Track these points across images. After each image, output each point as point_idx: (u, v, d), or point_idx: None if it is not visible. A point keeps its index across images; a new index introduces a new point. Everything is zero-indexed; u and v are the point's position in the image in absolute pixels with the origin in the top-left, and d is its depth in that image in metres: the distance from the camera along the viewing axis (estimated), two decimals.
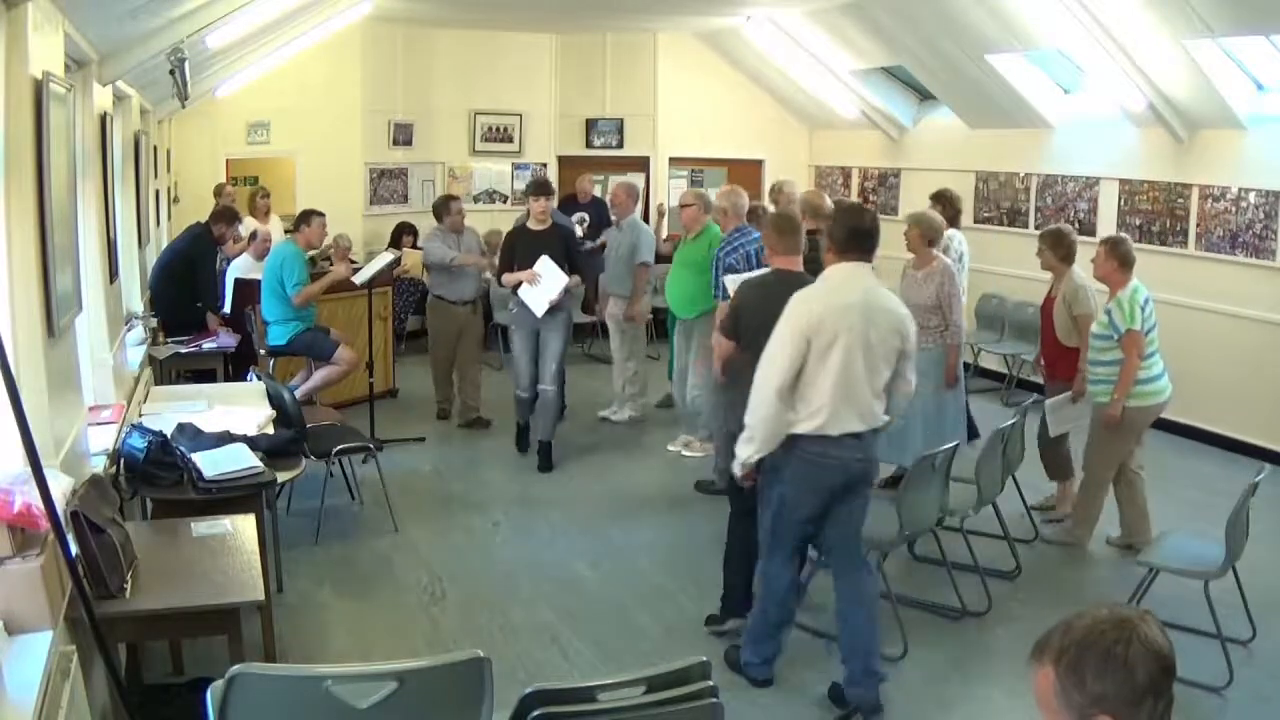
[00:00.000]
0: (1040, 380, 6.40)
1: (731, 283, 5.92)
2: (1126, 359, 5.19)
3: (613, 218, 8.27)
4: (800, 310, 3.78)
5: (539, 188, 6.96)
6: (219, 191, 9.44)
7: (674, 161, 11.75)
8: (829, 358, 3.71)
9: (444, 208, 7.83)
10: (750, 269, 6.09)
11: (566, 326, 6.98)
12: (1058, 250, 5.75)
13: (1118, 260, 5.27)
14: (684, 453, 7.19)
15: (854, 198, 10.84)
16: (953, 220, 6.88)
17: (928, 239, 6.01)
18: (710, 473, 6.42)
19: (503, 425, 7.57)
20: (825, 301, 3.78)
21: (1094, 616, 1.70)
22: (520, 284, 6.79)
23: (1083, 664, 1.66)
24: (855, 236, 3.85)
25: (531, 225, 6.91)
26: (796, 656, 4.39)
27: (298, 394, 6.13)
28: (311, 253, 7.67)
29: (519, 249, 6.83)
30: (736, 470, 3.98)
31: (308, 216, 7.30)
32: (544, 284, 6.69)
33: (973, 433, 6.59)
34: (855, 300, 3.76)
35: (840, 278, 3.85)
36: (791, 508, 3.93)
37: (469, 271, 7.75)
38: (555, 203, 7.56)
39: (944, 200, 7.00)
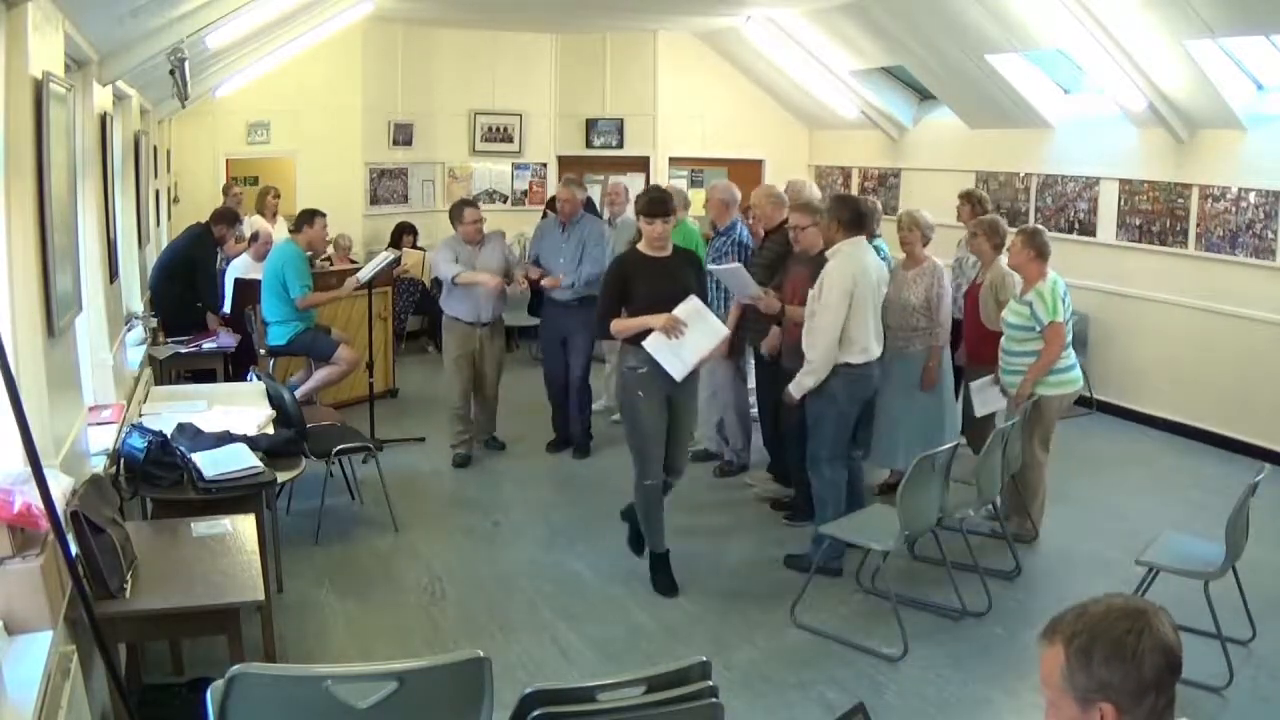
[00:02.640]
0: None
1: (724, 273, 5.97)
2: (1047, 348, 5.33)
3: (607, 215, 8.21)
4: (845, 277, 5.05)
5: (655, 205, 5.00)
6: (226, 191, 9.45)
7: (674, 161, 11.75)
8: (863, 309, 5.08)
9: (455, 215, 6.86)
10: (743, 260, 6.21)
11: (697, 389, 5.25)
12: (993, 239, 5.99)
13: (1034, 250, 5.41)
14: None
15: None
16: None
17: (925, 239, 6.05)
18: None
19: (514, 430, 7.38)
20: (854, 269, 5.07)
21: (1109, 604, 1.72)
22: (645, 333, 4.87)
23: (1093, 649, 1.67)
24: (858, 218, 5.17)
25: (646, 251, 5.07)
26: (797, 657, 4.40)
27: (297, 394, 6.13)
28: (310, 254, 7.66)
29: (638, 283, 4.97)
30: (795, 396, 5.22)
31: (311, 217, 7.28)
32: (691, 336, 4.82)
33: (969, 422, 6.57)
34: (866, 265, 5.13)
35: (853, 250, 5.12)
36: (846, 418, 5.21)
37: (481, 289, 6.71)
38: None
39: (973, 200, 7.03)
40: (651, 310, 4.86)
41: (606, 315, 5.03)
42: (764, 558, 5.46)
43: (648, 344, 4.83)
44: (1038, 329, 5.34)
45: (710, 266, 6.26)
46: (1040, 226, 5.80)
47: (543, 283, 6.96)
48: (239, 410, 5.06)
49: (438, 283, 10.49)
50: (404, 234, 10.42)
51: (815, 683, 4.18)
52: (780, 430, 6.24)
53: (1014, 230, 5.77)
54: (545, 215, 10.37)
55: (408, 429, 7.50)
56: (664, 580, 5.05)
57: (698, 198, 9.99)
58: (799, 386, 5.16)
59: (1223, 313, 7.37)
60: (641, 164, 11.67)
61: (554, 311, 7.10)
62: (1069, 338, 5.44)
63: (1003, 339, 5.57)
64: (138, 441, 4.05)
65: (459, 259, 6.74)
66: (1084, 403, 8.31)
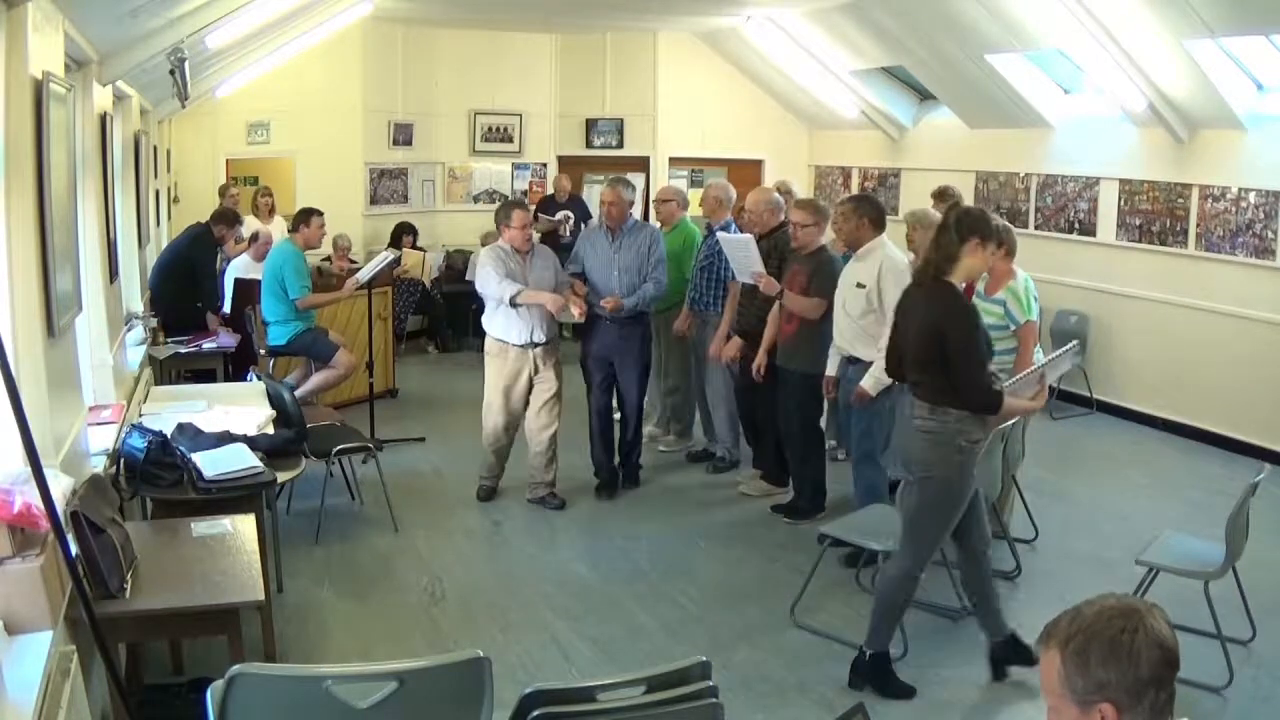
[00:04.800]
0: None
1: (732, 243, 5.94)
2: (1023, 348, 5.31)
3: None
4: (903, 271, 5.06)
5: (986, 228, 3.97)
6: (224, 192, 9.45)
7: (674, 161, 11.76)
8: None
9: (502, 216, 5.87)
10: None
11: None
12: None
13: (1004, 250, 5.34)
14: (660, 448, 7.20)
15: None
16: None
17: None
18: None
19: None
20: (903, 263, 5.24)
21: (1102, 605, 1.73)
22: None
23: (1089, 651, 1.68)
24: (882, 216, 5.38)
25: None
26: (797, 657, 4.40)
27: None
28: (310, 252, 7.65)
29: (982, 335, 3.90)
30: (874, 391, 5.12)
31: (307, 216, 7.28)
32: None
33: None
34: (904, 260, 5.29)
35: (886, 247, 5.29)
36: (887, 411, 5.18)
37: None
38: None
39: (947, 198, 7.01)
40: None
41: (990, 384, 3.85)
42: (764, 558, 5.46)
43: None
44: (1012, 328, 5.31)
45: (720, 235, 6.25)
46: (1008, 225, 5.75)
47: (602, 303, 5.98)
48: (239, 410, 5.05)
49: (438, 283, 10.58)
50: (404, 234, 10.42)
51: (815, 683, 4.18)
52: (760, 429, 6.34)
53: None
54: (538, 218, 10.26)
55: (408, 429, 7.50)
56: (896, 683, 4.11)
57: (695, 197, 9.99)
58: (879, 383, 5.02)
59: (1222, 313, 7.37)
60: (641, 164, 11.68)
61: (601, 330, 6.11)
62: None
63: None
64: (138, 441, 4.05)
65: (510, 274, 5.79)
66: (1084, 403, 8.35)
